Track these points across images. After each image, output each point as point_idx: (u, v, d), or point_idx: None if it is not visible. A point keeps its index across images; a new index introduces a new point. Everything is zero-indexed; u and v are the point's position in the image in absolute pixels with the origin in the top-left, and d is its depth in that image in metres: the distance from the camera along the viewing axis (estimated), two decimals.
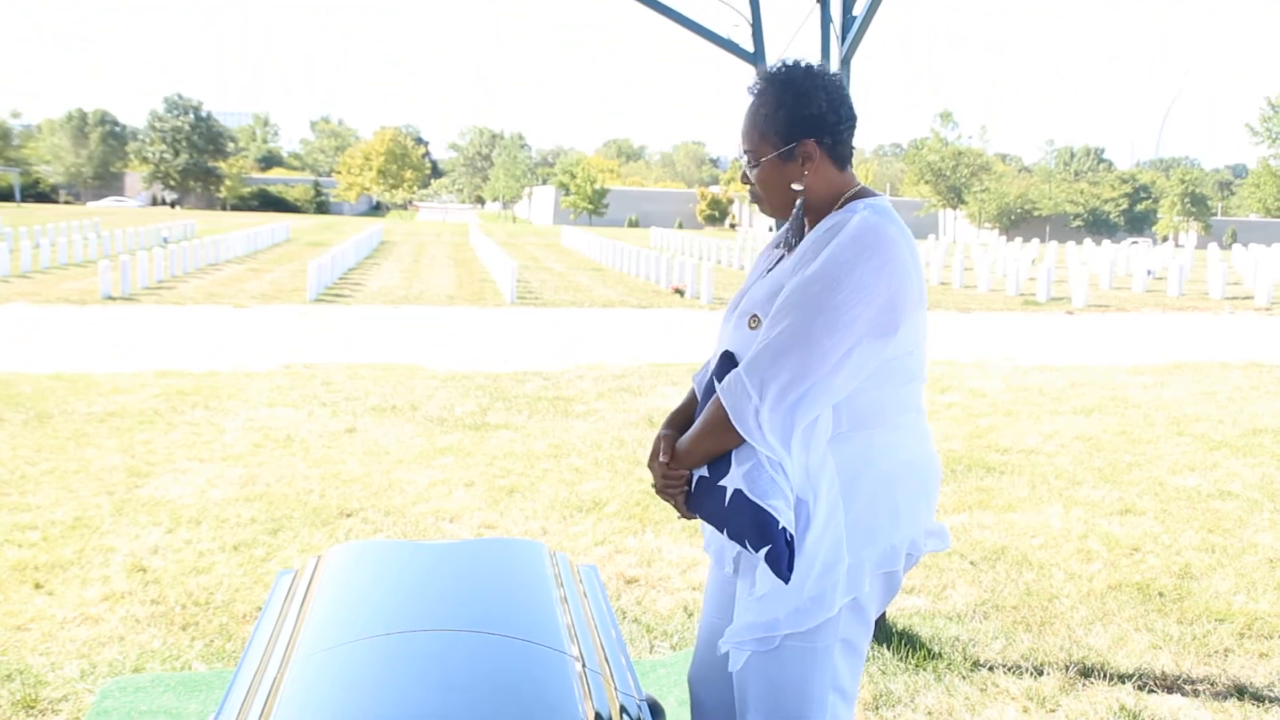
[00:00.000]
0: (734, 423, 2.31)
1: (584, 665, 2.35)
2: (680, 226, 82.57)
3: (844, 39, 4.60)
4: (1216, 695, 4.11)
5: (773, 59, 4.35)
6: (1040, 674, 4.26)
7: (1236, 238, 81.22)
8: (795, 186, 2.44)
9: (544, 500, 6.63)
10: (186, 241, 31.16)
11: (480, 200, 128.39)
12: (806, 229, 2.48)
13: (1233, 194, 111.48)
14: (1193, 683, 4.22)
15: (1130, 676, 4.25)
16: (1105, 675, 4.25)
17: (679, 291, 23.94)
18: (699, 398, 2.56)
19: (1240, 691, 4.14)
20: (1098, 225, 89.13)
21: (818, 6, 4.73)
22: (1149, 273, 30.13)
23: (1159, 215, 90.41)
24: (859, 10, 4.63)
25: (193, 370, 11.35)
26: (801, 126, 2.41)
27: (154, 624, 4.64)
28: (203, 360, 12.21)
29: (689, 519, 2.52)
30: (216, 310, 18.45)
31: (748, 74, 4.43)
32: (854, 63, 4.67)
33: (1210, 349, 15.71)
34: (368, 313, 18.83)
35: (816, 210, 2.46)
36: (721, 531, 2.40)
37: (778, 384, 2.27)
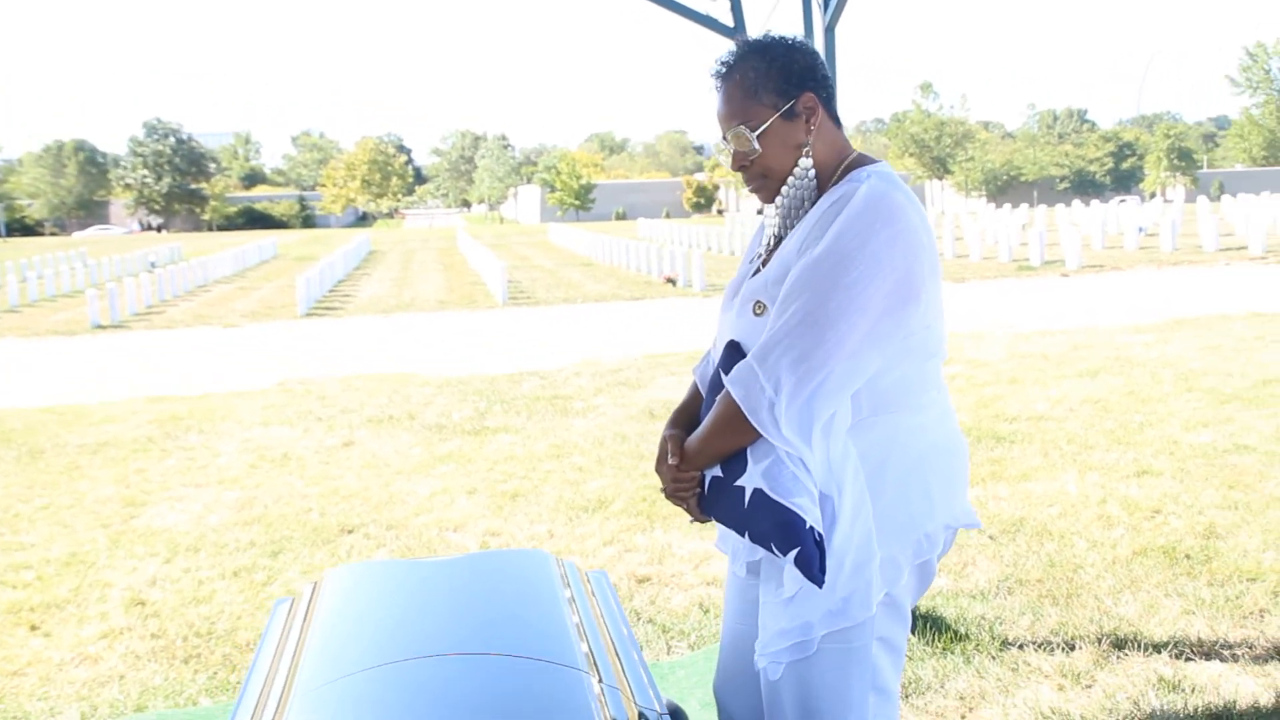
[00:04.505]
0: (749, 418, 2.15)
1: (600, 680, 2.21)
2: (668, 216, 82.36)
3: (826, 7, 4.45)
4: (1256, 658, 3.96)
5: (754, 33, 4.20)
6: (1072, 649, 4.12)
7: (1224, 189, 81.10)
8: (802, 145, 2.28)
9: (548, 503, 6.49)
10: (174, 265, 30.98)
11: (466, 204, 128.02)
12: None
13: (1217, 145, 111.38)
14: (1230, 647, 4.08)
15: (1165, 645, 4.11)
16: (1139, 645, 4.11)
17: (671, 281, 23.80)
18: (703, 392, 2.39)
19: None
20: (1085, 186, 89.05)
21: None
22: (1141, 230, 29.98)
23: (1145, 172, 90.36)
24: None
25: (185, 394, 11.19)
26: (798, 79, 2.28)
27: (155, 659, 4.50)
28: (195, 383, 12.04)
29: (703, 523, 2.35)
30: (207, 331, 18.30)
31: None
32: (837, 32, 4.52)
33: (1210, 302, 15.57)
34: (359, 324, 18.67)
35: (819, 180, 2.30)
36: (742, 535, 2.23)
37: (794, 374, 2.10)
